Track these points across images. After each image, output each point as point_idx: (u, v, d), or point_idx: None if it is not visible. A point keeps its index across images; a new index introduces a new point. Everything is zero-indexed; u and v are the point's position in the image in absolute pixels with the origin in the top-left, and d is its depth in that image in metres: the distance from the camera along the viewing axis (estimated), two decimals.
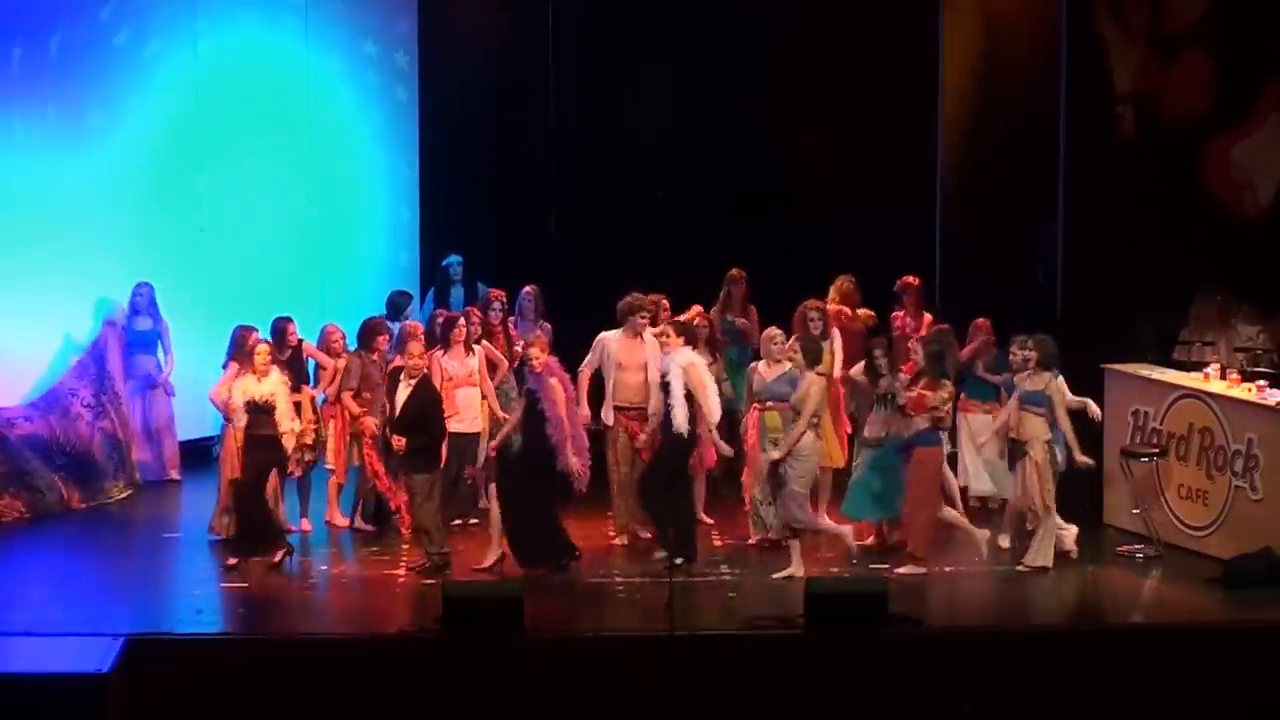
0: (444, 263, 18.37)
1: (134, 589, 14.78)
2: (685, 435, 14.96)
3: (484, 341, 16.42)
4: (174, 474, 17.85)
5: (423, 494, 14.86)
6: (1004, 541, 15.44)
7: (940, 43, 19.85)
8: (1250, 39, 17.55)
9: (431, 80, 19.81)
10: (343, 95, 19.45)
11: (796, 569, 14.68)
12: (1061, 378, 14.99)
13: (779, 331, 15.41)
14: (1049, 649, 13.46)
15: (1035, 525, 15.04)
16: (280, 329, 16.04)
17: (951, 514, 15.19)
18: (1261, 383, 15.49)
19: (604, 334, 15.76)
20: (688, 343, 15.27)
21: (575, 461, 14.75)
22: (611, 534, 15.75)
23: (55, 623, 13.53)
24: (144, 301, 17.74)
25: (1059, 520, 15.04)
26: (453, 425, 15.58)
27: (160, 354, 17.84)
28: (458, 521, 15.94)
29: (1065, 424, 14.99)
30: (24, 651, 12.92)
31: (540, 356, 14.84)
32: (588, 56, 20.08)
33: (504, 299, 16.91)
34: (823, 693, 13.09)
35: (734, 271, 17.62)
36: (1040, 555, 14.93)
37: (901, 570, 14.77)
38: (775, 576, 14.67)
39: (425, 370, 15.13)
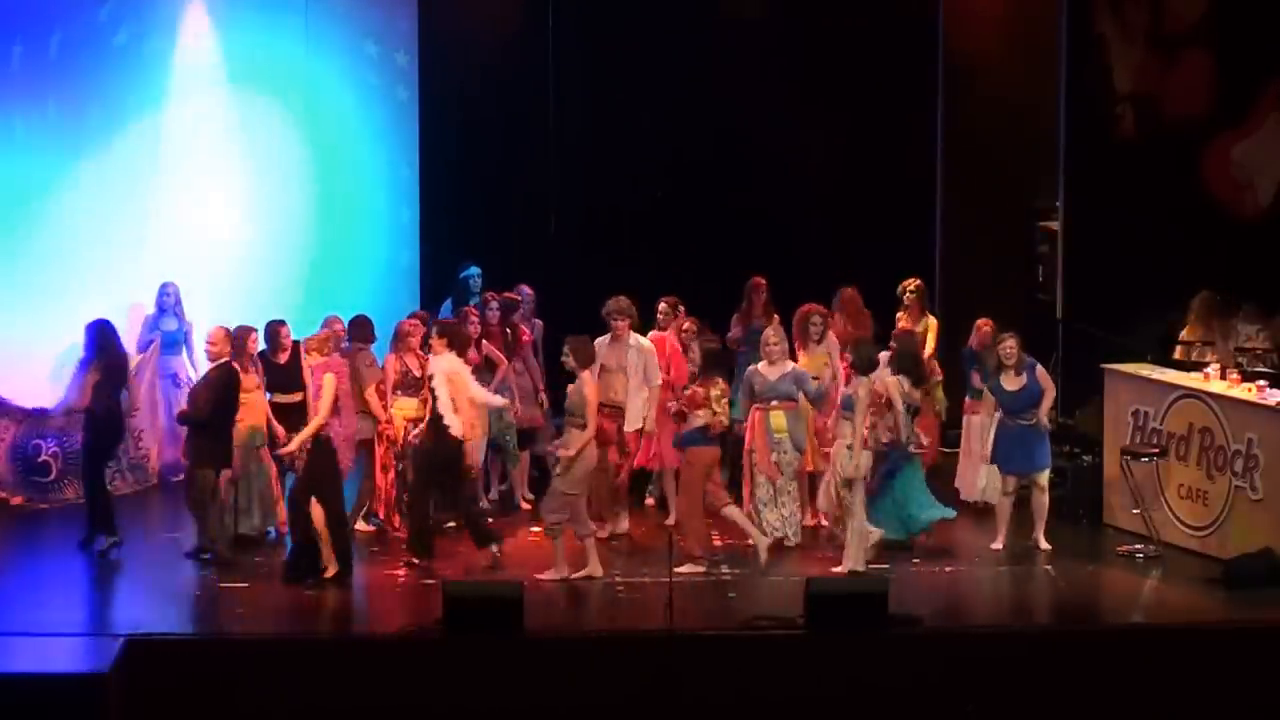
0: (463, 275, 18.07)
1: (134, 589, 14.79)
2: (451, 441, 15.00)
3: (484, 341, 16.46)
4: None
5: (200, 489, 15.03)
6: (997, 544, 15.46)
7: (940, 43, 19.85)
8: (1250, 39, 17.53)
9: (431, 80, 19.79)
10: (343, 95, 19.43)
11: (561, 569, 14.65)
12: (864, 381, 14.90)
13: (775, 332, 15.52)
14: (1049, 649, 13.47)
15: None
16: (274, 331, 16.01)
17: (734, 513, 15.13)
18: (1261, 383, 15.51)
19: (600, 338, 15.80)
20: (451, 346, 15.24)
21: (349, 457, 14.88)
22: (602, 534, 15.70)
23: (55, 623, 13.54)
24: (171, 301, 17.67)
25: (866, 525, 14.92)
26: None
27: (186, 354, 17.80)
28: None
29: (859, 426, 14.78)
30: (24, 651, 12.93)
31: (314, 356, 14.89)
32: (588, 56, 20.06)
33: (499, 298, 16.92)
34: (823, 693, 13.10)
35: (755, 280, 17.61)
36: (850, 558, 14.83)
37: (682, 570, 14.64)
38: (575, 575, 14.59)
39: (226, 359, 15.16)
